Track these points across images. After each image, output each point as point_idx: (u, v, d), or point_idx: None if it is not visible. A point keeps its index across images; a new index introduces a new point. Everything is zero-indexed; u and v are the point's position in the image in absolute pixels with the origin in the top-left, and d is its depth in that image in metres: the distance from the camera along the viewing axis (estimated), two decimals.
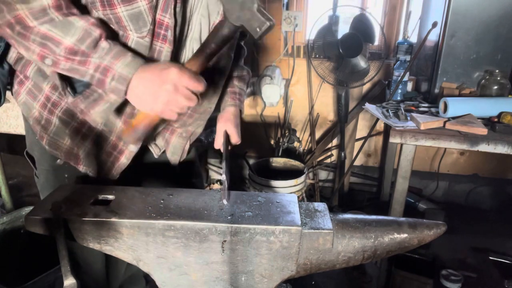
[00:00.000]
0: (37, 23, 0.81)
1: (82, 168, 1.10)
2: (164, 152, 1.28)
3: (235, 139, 1.29)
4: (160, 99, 0.86)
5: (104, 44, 0.85)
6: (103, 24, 0.89)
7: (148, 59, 0.94)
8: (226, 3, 0.84)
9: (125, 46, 0.92)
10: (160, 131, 1.23)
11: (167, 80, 0.84)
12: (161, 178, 1.32)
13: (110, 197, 0.95)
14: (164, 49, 0.98)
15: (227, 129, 1.28)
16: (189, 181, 1.38)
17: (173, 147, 1.26)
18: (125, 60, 0.85)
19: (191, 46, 1.08)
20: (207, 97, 1.20)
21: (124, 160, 1.14)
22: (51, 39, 0.82)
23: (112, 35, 0.90)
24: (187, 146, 1.29)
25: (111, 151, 1.12)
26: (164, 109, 0.87)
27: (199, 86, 0.88)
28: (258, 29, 0.84)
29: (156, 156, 1.26)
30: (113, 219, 0.86)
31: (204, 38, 1.04)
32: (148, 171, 1.29)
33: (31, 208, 0.95)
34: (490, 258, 2.42)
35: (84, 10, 0.90)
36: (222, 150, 1.28)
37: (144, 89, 0.86)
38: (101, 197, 0.96)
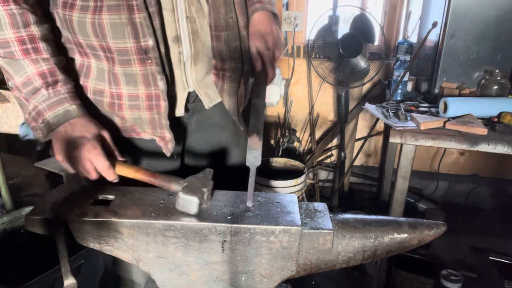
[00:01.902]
0: (1, 53, 0.90)
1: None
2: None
3: (267, 55, 1.07)
4: (68, 150, 0.92)
5: (44, 92, 0.93)
6: (55, 69, 0.94)
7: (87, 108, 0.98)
8: None
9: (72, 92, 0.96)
10: (207, 77, 1.11)
11: (80, 152, 0.91)
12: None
13: (110, 197, 0.95)
14: None
15: (255, 47, 1.08)
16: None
17: (228, 95, 1.13)
18: (57, 111, 0.93)
19: None
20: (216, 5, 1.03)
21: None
22: (8, 73, 0.93)
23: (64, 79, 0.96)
24: (242, 90, 1.15)
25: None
26: (68, 158, 0.93)
27: (108, 174, 0.92)
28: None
29: (206, 107, 1.16)
30: (113, 219, 0.86)
31: None
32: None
33: (31, 208, 0.95)
34: (490, 258, 2.42)
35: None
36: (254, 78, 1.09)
37: (62, 137, 0.93)
38: (101, 197, 0.96)
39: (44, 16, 0.97)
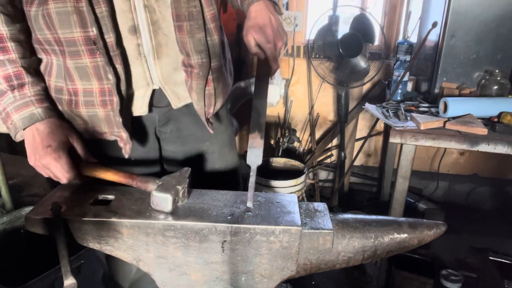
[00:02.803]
0: None
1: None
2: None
3: (268, 48, 0.97)
4: (36, 156, 0.94)
5: (10, 95, 0.93)
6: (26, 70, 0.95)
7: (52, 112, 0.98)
8: None
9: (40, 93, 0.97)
10: (175, 74, 1.05)
11: (44, 159, 0.93)
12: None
13: (110, 197, 0.95)
14: None
15: (253, 39, 0.98)
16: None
17: (196, 93, 1.07)
18: (22, 114, 0.94)
19: None
20: None
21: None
22: None
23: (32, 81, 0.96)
24: (210, 88, 1.07)
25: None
26: (35, 164, 0.95)
27: (69, 177, 0.95)
28: None
29: (174, 107, 1.10)
30: (113, 219, 0.86)
31: None
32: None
33: (31, 208, 0.95)
34: (490, 258, 2.42)
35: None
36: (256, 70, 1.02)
37: (32, 141, 0.95)
38: (101, 197, 0.96)
39: (19, 16, 0.95)
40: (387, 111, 2.12)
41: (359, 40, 2.47)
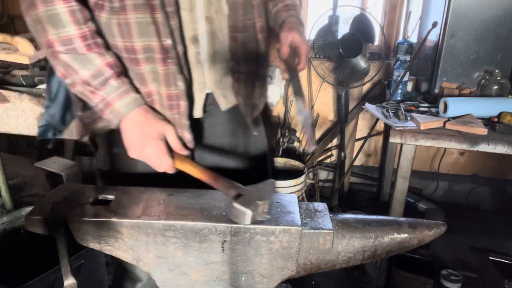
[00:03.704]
0: (63, 50, 0.92)
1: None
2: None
3: (305, 47, 1.17)
4: (137, 146, 0.97)
5: (113, 83, 0.94)
6: (118, 60, 0.98)
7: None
8: None
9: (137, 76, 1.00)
10: (224, 79, 1.11)
11: (144, 150, 0.97)
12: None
13: (110, 197, 0.95)
14: None
15: (292, 38, 1.15)
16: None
17: (242, 97, 1.15)
18: (126, 100, 0.96)
19: None
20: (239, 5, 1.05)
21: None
22: (72, 68, 0.93)
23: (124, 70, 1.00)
24: (255, 93, 1.18)
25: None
26: (137, 153, 0.98)
27: (167, 167, 0.98)
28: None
29: (222, 109, 1.15)
30: (113, 219, 0.86)
31: None
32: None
33: (31, 208, 0.95)
34: (490, 258, 2.42)
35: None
36: (287, 64, 1.19)
37: (132, 131, 0.97)
38: (101, 197, 0.96)
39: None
40: (387, 111, 2.12)
41: (359, 40, 2.47)
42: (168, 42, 0.96)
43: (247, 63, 1.10)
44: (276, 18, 1.22)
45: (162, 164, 0.97)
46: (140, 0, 0.93)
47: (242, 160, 1.28)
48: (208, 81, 1.09)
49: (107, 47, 0.98)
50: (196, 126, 1.14)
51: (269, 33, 1.19)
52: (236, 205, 0.84)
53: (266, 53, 1.18)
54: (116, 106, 0.95)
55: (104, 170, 1.19)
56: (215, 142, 1.22)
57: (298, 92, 1.18)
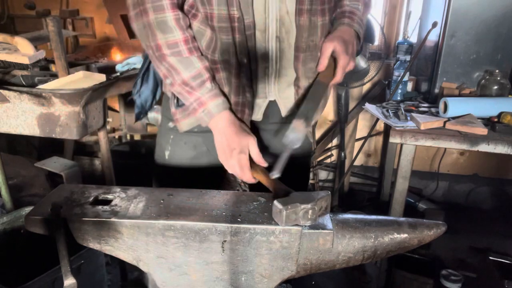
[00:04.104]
0: (169, 53, 1.03)
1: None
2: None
3: (344, 59, 1.11)
4: (225, 156, 1.07)
5: (208, 85, 1.05)
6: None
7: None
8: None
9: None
10: (287, 90, 1.18)
11: (230, 161, 1.06)
12: None
13: (110, 197, 0.95)
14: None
15: (334, 47, 1.11)
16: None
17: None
18: (217, 101, 1.06)
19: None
20: (305, 29, 1.10)
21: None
22: (175, 69, 1.04)
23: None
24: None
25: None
26: (224, 162, 1.09)
27: (248, 178, 1.05)
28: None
29: (282, 115, 1.23)
30: (113, 219, 0.86)
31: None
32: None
33: (31, 208, 0.95)
34: (490, 258, 2.42)
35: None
36: (322, 76, 1.14)
37: (221, 141, 1.08)
38: (101, 197, 0.96)
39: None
40: (387, 111, 2.12)
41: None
42: (244, 60, 1.08)
43: (305, 79, 1.16)
44: (336, 22, 1.19)
45: (244, 175, 1.05)
46: (225, 24, 1.04)
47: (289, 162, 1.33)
48: (272, 91, 1.18)
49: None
50: (255, 127, 1.25)
51: None
52: (276, 202, 0.85)
53: None
54: (208, 105, 1.05)
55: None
56: (272, 144, 1.30)
57: (308, 114, 1.07)
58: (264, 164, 1.06)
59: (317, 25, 1.11)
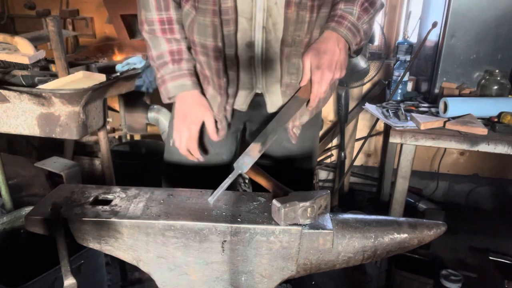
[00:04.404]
0: (147, 29, 1.16)
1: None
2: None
3: (316, 74, 1.04)
4: (178, 121, 1.18)
5: (170, 66, 1.16)
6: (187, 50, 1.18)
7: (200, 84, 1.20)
8: None
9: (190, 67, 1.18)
10: (275, 85, 1.19)
11: (181, 129, 1.16)
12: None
13: (110, 197, 0.95)
14: None
15: (309, 60, 1.06)
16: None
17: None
18: (176, 83, 1.16)
19: None
20: (291, 25, 1.07)
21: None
22: (148, 45, 1.19)
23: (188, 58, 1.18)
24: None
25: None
26: (175, 126, 1.18)
27: (193, 149, 1.18)
28: None
29: (268, 111, 1.23)
30: (113, 219, 0.86)
31: None
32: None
33: (31, 208, 0.95)
34: (490, 258, 2.42)
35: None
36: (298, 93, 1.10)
37: (179, 108, 1.18)
38: (101, 197, 0.96)
39: (180, 5, 1.16)
40: (387, 111, 2.12)
41: None
42: (219, 44, 1.10)
43: (290, 76, 1.16)
44: (324, 26, 1.13)
45: (190, 144, 1.15)
46: (205, 5, 1.07)
47: (276, 159, 1.36)
48: (259, 83, 1.20)
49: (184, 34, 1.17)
50: (242, 118, 1.31)
51: None
52: (274, 201, 0.85)
53: None
54: (168, 85, 1.16)
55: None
56: (259, 122, 1.32)
57: (268, 137, 1.03)
58: (215, 137, 1.19)
59: (305, 20, 1.08)
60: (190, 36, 1.15)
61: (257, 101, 1.24)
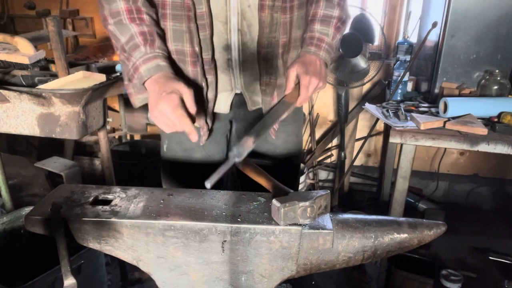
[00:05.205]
0: (112, 22, 1.07)
1: None
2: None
3: (305, 79, 1.09)
4: (154, 103, 1.00)
5: (142, 49, 1.04)
6: (156, 34, 1.08)
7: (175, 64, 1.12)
8: None
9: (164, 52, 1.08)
10: (254, 84, 1.21)
11: (159, 104, 0.98)
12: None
13: (110, 197, 0.95)
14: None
15: (296, 70, 1.11)
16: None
17: (264, 105, 1.23)
18: (149, 65, 1.03)
19: None
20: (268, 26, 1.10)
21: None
22: (116, 37, 1.08)
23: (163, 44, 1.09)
24: (275, 102, 1.22)
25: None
26: (153, 112, 1.00)
27: (184, 121, 0.97)
28: None
29: (249, 109, 1.26)
30: (113, 219, 0.86)
31: None
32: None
33: (31, 208, 0.95)
34: (490, 258, 2.42)
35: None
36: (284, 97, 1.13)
37: (152, 93, 1.02)
38: (101, 197, 0.96)
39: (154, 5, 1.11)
40: (387, 111, 2.12)
41: (359, 40, 2.47)
42: (196, 49, 1.09)
43: (267, 75, 1.18)
44: (302, 49, 1.19)
45: (179, 118, 0.96)
46: (178, 12, 1.06)
47: (267, 143, 1.36)
48: (238, 83, 1.21)
49: (158, 28, 1.10)
50: (226, 118, 1.29)
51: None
52: (274, 200, 0.85)
53: (285, 66, 1.21)
54: (141, 70, 1.03)
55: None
56: (244, 120, 1.32)
57: (260, 132, 1.07)
58: (194, 109, 1.00)
59: (279, 22, 1.11)
60: (168, 44, 1.12)
61: (238, 100, 1.25)
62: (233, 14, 1.10)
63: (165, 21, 1.10)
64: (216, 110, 1.24)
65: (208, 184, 0.94)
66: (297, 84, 1.14)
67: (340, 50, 2.52)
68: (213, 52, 1.13)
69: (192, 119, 0.99)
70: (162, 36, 1.11)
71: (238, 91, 1.23)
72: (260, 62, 1.16)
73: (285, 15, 1.12)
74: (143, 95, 1.14)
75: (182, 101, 0.99)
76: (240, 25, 1.12)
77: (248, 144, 1.02)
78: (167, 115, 0.96)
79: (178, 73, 1.11)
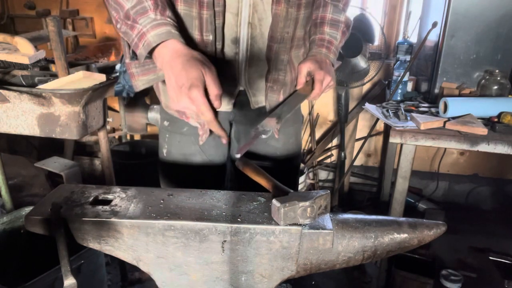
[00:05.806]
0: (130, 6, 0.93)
1: None
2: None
3: (319, 74, 1.11)
4: (175, 96, 0.92)
5: (151, 14, 0.92)
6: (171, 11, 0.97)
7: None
8: None
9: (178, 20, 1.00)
10: (258, 81, 1.19)
11: (181, 102, 0.90)
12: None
13: (110, 197, 0.95)
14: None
15: (309, 67, 1.14)
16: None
17: (269, 102, 1.21)
18: (159, 31, 0.92)
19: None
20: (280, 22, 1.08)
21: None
22: (119, 4, 0.94)
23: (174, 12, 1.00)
24: (282, 100, 1.22)
25: None
26: (176, 106, 0.92)
27: (209, 117, 0.91)
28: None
29: (252, 107, 1.23)
30: (113, 219, 0.86)
31: None
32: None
33: (31, 208, 0.95)
34: (490, 258, 2.42)
35: None
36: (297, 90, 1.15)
37: (169, 79, 0.92)
38: (101, 197, 0.96)
39: None
40: (387, 111, 2.12)
41: (359, 40, 2.47)
42: (210, 38, 1.05)
43: (276, 71, 1.16)
44: (310, 48, 1.23)
45: (204, 114, 0.90)
46: None
47: (266, 145, 1.35)
48: (242, 79, 1.17)
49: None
50: (227, 118, 1.26)
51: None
52: (274, 200, 0.85)
53: (291, 64, 1.21)
54: (148, 36, 0.91)
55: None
56: (243, 123, 1.30)
57: (282, 115, 1.08)
58: (218, 91, 0.92)
59: (293, 17, 1.11)
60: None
61: (241, 101, 1.23)
62: (244, 6, 1.06)
63: (176, 5, 1.04)
64: (222, 109, 1.21)
65: (238, 154, 0.96)
66: (308, 81, 1.15)
67: (340, 50, 2.51)
68: (223, 43, 1.09)
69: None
70: (173, 9, 1.01)
71: (241, 88, 1.20)
72: (270, 57, 1.14)
73: (298, 11, 1.12)
74: (147, 76, 1.07)
75: (205, 91, 0.91)
76: (251, 18, 1.08)
77: (272, 124, 1.03)
78: (192, 111, 0.91)
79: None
